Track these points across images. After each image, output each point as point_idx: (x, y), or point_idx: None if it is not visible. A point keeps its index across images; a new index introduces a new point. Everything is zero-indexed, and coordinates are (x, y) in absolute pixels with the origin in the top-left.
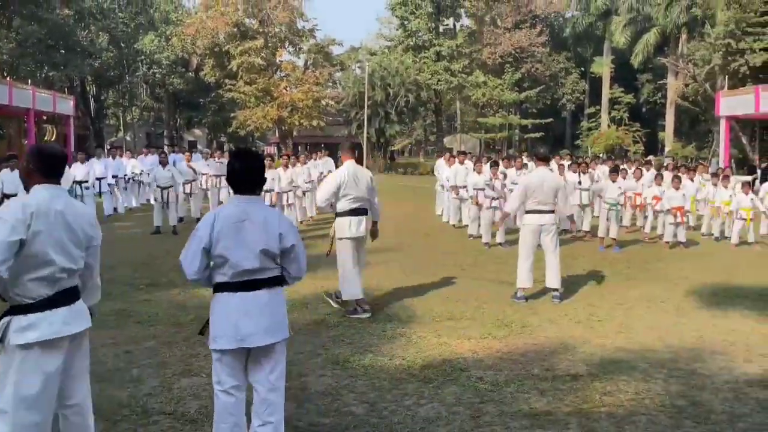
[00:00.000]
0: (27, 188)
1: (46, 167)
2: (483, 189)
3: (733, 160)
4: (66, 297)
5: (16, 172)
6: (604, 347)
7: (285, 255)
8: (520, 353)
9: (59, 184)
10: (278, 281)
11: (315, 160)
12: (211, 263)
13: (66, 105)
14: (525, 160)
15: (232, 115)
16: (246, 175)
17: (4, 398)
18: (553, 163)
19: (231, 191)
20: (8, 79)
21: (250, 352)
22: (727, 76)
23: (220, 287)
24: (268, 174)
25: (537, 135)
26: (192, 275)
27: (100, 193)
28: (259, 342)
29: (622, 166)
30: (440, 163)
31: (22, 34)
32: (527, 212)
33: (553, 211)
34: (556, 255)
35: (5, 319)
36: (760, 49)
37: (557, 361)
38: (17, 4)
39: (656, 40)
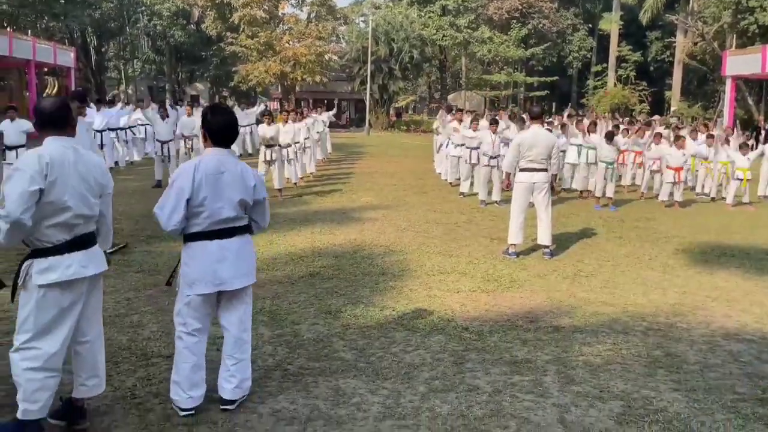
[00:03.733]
0: (40, 142)
1: (53, 121)
2: (477, 147)
3: (738, 121)
4: (83, 241)
5: (17, 122)
6: (588, 301)
7: (256, 206)
8: (507, 306)
9: (70, 135)
10: (248, 229)
11: (316, 113)
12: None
13: (67, 57)
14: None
15: (233, 69)
16: (223, 130)
17: (26, 328)
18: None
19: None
20: (8, 29)
21: (222, 295)
22: (735, 35)
23: (195, 236)
24: (269, 130)
25: (542, 93)
26: (172, 226)
27: (101, 146)
28: (237, 285)
29: (623, 127)
30: (441, 116)
31: None
32: (520, 170)
33: (546, 169)
34: (548, 212)
35: (28, 262)
36: None
37: (541, 314)
38: None
39: None
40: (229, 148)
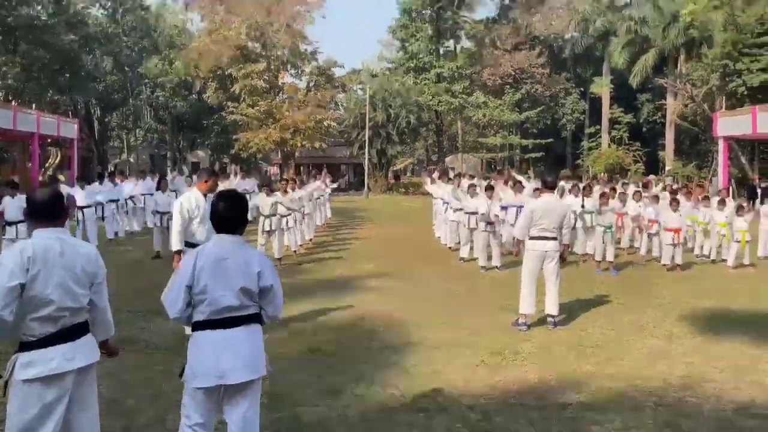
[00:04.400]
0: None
1: (42, 213)
2: (475, 213)
3: (732, 180)
4: (69, 333)
5: (18, 198)
6: (594, 375)
7: (263, 294)
8: (512, 381)
9: (59, 225)
10: (256, 318)
11: (320, 180)
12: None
13: (70, 128)
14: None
15: (234, 137)
16: (229, 216)
17: (9, 425)
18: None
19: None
20: (13, 104)
21: (226, 389)
22: (724, 97)
23: (198, 325)
24: (269, 200)
25: (538, 155)
26: (175, 314)
27: (102, 218)
28: (238, 379)
29: (619, 190)
30: (434, 180)
31: (27, 59)
32: (531, 238)
33: (556, 238)
34: (556, 282)
35: (14, 357)
36: (758, 70)
37: (548, 390)
38: (23, 30)
39: (655, 61)
40: (238, 233)
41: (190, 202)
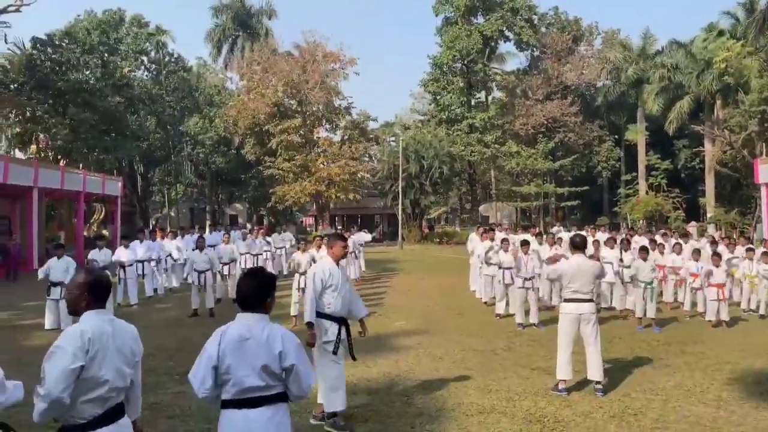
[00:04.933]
0: (77, 312)
1: (97, 297)
2: (511, 267)
3: None
4: (113, 414)
5: (64, 260)
6: None
7: (287, 374)
8: None
9: (107, 308)
10: (281, 398)
11: (354, 234)
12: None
13: (114, 186)
14: (558, 232)
15: (271, 190)
16: (254, 294)
17: None
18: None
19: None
20: (62, 164)
21: None
22: (765, 143)
23: (225, 404)
24: (303, 257)
25: (573, 203)
26: (202, 393)
27: (142, 275)
28: None
29: (659, 241)
30: (473, 238)
31: (75, 121)
32: (565, 300)
33: (592, 300)
34: (597, 345)
35: None
36: None
37: None
38: (72, 93)
39: (690, 107)
40: (262, 311)
41: (324, 271)
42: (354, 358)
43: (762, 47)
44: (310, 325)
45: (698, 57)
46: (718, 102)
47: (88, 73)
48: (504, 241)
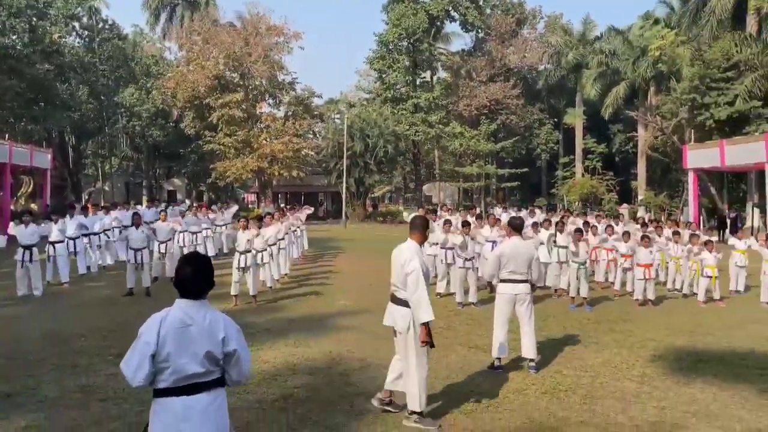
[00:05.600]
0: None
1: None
2: (452, 248)
3: (703, 210)
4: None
5: (30, 227)
6: (567, 421)
7: (227, 359)
8: (486, 429)
9: (200, 298)
10: (220, 383)
11: (294, 214)
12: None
13: (43, 158)
14: (498, 212)
15: (211, 166)
16: (193, 281)
17: None
18: (528, 217)
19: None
20: None
21: None
22: (693, 129)
23: (160, 392)
24: (245, 235)
25: (513, 184)
26: (137, 383)
27: (74, 252)
28: None
29: (592, 223)
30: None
31: (1, 88)
32: (501, 281)
33: (527, 281)
34: (531, 324)
35: None
36: (725, 104)
37: None
38: None
39: (625, 93)
40: (202, 297)
41: (425, 262)
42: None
43: (694, 37)
44: (427, 323)
45: (635, 44)
46: (652, 89)
47: (14, 37)
48: (446, 222)
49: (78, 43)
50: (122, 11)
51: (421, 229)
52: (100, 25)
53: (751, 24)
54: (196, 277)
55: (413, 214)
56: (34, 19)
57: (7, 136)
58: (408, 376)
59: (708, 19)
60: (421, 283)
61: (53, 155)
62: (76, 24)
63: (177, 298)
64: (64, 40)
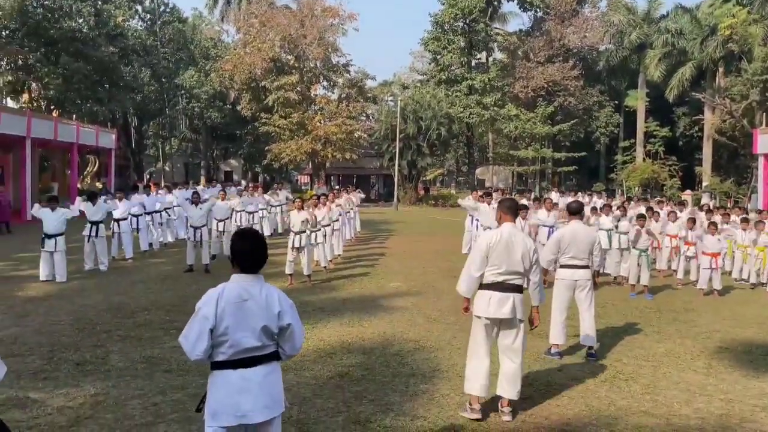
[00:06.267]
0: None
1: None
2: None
3: None
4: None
5: (58, 211)
6: (629, 410)
7: (281, 333)
8: (543, 416)
9: (255, 272)
10: (275, 356)
11: (347, 194)
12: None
13: (108, 138)
14: (554, 197)
15: (266, 148)
16: (250, 256)
17: None
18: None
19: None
20: (54, 114)
21: (247, 428)
22: (765, 113)
23: (218, 365)
24: (300, 215)
25: (570, 168)
26: (197, 356)
27: (137, 229)
28: (259, 418)
29: (655, 209)
30: (470, 199)
31: (68, 71)
32: (561, 267)
33: (587, 266)
34: (590, 311)
35: None
36: None
37: (580, 427)
38: (65, 42)
39: (692, 74)
40: (256, 273)
41: None
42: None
43: None
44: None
45: (703, 23)
46: (721, 70)
47: (81, 21)
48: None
49: (140, 26)
50: None
51: (515, 212)
52: (162, 9)
53: None
54: (252, 251)
55: (503, 197)
56: (99, 2)
57: (74, 116)
58: (519, 368)
59: None
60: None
61: (117, 135)
62: (139, 8)
63: (233, 273)
64: (127, 23)
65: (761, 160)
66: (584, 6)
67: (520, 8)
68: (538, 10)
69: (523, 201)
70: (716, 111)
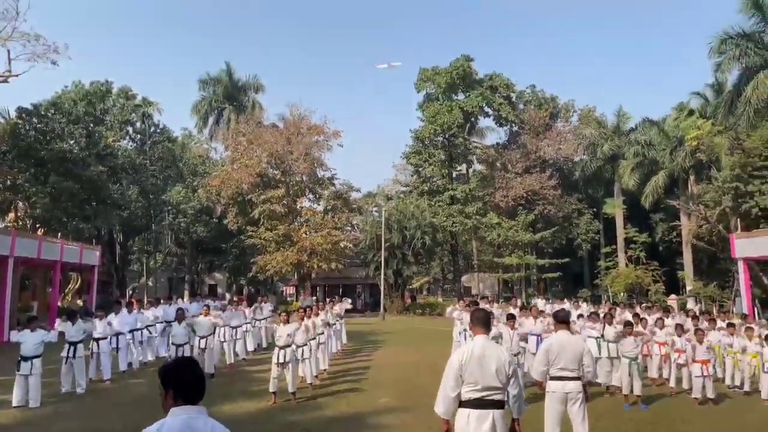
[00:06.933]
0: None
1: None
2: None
3: (756, 300)
4: None
5: (37, 332)
6: None
7: None
8: None
9: (197, 403)
10: None
11: (331, 306)
12: None
13: (92, 255)
14: (541, 304)
15: (252, 260)
16: (195, 385)
17: None
18: (572, 309)
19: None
20: (40, 233)
21: None
22: (738, 218)
23: None
24: (286, 329)
25: (555, 274)
26: None
27: (117, 348)
28: None
29: (642, 315)
30: (458, 310)
31: (56, 190)
32: (551, 379)
33: (579, 378)
34: (584, 426)
35: None
36: None
37: None
38: (55, 162)
39: (665, 182)
40: (197, 404)
41: None
42: None
43: (731, 126)
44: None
45: (670, 134)
46: (692, 177)
47: (72, 142)
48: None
49: (131, 145)
50: (173, 115)
51: (486, 323)
52: (152, 129)
53: None
54: (198, 379)
55: (474, 309)
56: (91, 124)
57: (59, 234)
58: None
59: (744, 108)
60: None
61: (101, 252)
62: (130, 128)
63: (171, 408)
64: (118, 143)
65: (741, 264)
66: (557, 120)
67: (496, 123)
68: (513, 125)
69: (510, 309)
70: (692, 217)
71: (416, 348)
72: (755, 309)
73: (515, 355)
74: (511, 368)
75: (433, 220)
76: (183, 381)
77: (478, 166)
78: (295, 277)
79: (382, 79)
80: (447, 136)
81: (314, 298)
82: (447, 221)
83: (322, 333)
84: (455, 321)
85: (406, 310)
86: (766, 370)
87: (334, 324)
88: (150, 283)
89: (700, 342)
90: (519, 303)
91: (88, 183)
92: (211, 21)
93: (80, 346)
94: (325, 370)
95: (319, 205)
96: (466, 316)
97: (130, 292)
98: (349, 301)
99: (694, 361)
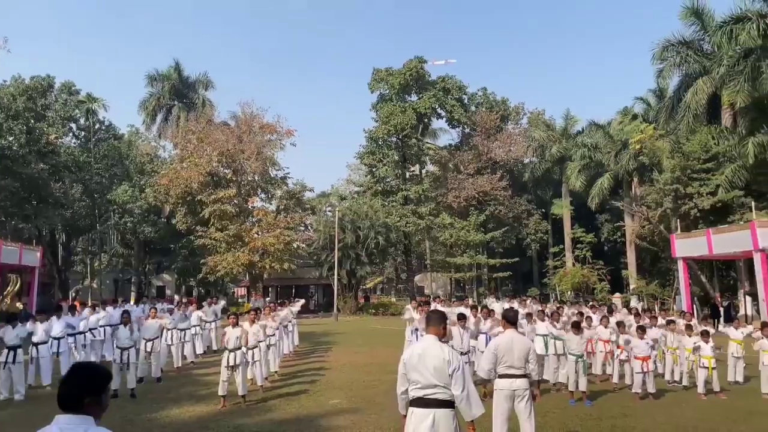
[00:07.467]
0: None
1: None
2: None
3: (695, 298)
4: None
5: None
6: None
7: None
8: None
9: (80, 412)
10: None
11: (282, 308)
12: None
13: (32, 256)
14: (490, 303)
15: (202, 261)
16: (70, 389)
17: None
18: (520, 307)
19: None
20: None
21: None
22: (679, 218)
23: None
24: (235, 332)
25: (505, 274)
26: None
27: (58, 353)
28: None
29: (587, 314)
30: (409, 309)
31: None
32: (499, 376)
33: (525, 375)
34: (531, 422)
35: None
36: (707, 193)
37: None
38: None
39: (610, 184)
40: (81, 413)
41: None
42: None
43: (672, 130)
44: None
45: (615, 138)
46: (635, 180)
47: (11, 139)
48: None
49: (74, 143)
50: (119, 112)
51: (441, 323)
52: (97, 126)
53: (726, 118)
54: (66, 386)
55: (430, 310)
56: (32, 120)
57: None
58: None
59: (684, 113)
60: (469, 377)
61: (42, 253)
62: (73, 125)
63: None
64: (60, 140)
65: (680, 264)
66: (507, 123)
67: (448, 125)
68: (465, 126)
69: (461, 309)
70: (635, 218)
71: (369, 348)
72: (694, 306)
73: (464, 354)
74: (452, 368)
75: (386, 220)
76: (60, 389)
77: (431, 167)
78: (247, 278)
79: (338, 78)
80: (400, 136)
81: (267, 299)
82: (400, 221)
83: (273, 335)
84: (407, 321)
85: (359, 310)
86: (701, 365)
87: (286, 324)
88: (95, 285)
89: (641, 338)
90: (470, 303)
91: (29, 181)
92: (160, 14)
93: (20, 350)
94: (276, 372)
95: (271, 204)
96: (417, 315)
97: (74, 295)
98: (302, 301)
99: (635, 357)
